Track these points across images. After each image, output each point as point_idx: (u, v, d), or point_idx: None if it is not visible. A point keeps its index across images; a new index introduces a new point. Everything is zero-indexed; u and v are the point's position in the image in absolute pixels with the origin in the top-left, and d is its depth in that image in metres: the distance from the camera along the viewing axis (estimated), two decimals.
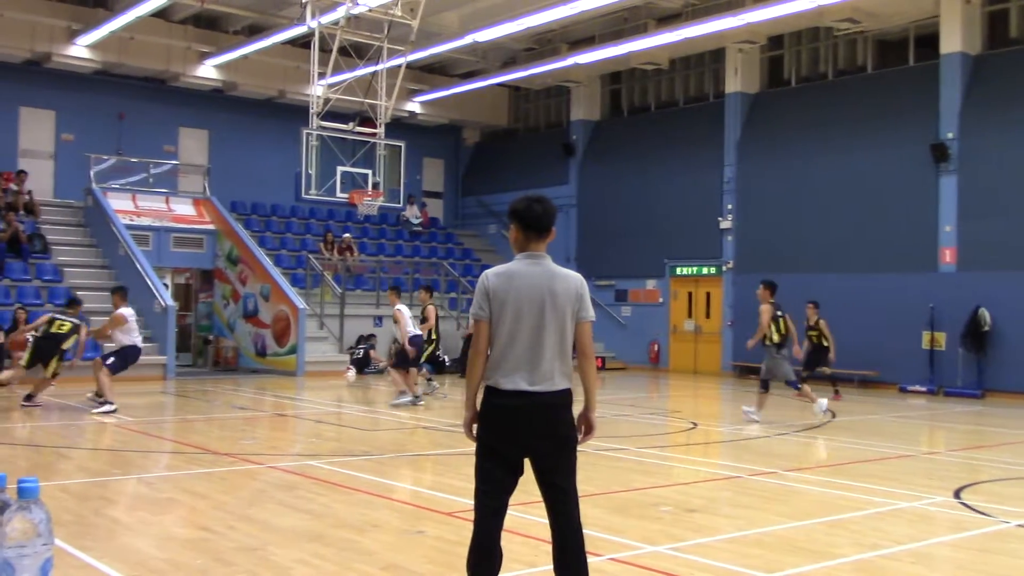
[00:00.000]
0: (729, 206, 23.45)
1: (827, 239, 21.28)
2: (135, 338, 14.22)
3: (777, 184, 22.49)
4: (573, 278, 4.37)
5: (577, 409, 4.37)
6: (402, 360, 15.22)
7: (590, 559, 4.41)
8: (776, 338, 13.70)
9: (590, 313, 4.36)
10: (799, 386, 14.03)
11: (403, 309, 15.52)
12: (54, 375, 14.22)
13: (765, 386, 13.82)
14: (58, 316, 14.48)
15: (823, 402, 13.99)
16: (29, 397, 13.96)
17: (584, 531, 4.33)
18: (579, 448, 4.35)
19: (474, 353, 4.33)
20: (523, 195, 4.44)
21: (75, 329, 14.16)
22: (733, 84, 23.69)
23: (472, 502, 4.32)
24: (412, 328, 15.38)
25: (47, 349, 14.02)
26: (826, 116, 21.90)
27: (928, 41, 20.60)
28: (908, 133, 20.24)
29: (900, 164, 20.29)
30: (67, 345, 14.07)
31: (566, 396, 4.27)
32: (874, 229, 20.52)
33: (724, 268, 23.49)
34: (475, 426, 4.36)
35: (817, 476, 9.25)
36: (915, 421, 15.37)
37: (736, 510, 7.64)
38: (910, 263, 19.93)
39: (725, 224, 23.43)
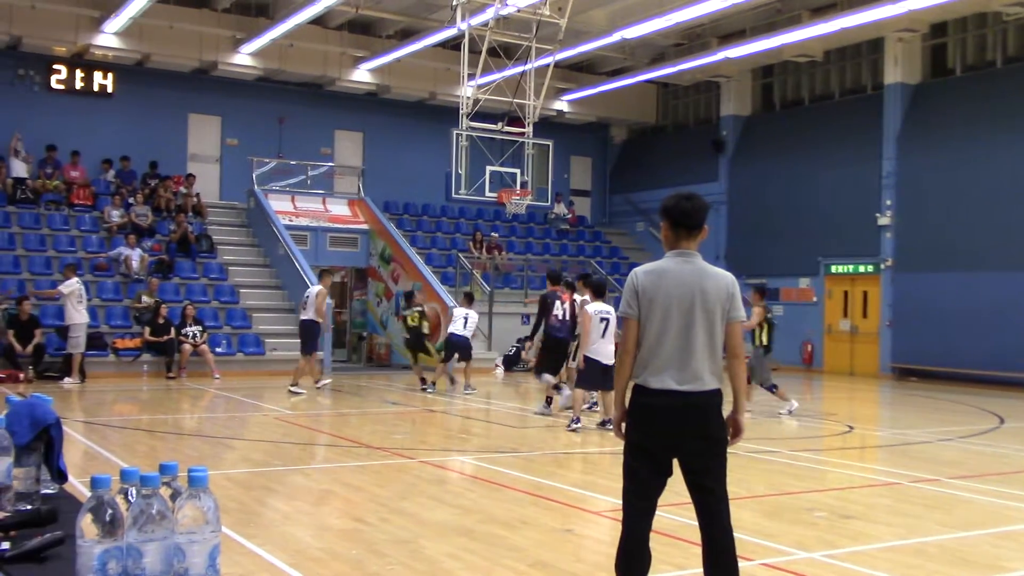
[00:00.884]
0: (888, 202, 22.54)
1: (994, 236, 20.19)
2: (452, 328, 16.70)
3: (940, 179, 21.48)
4: (724, 277, 4.30)
5: (726, 411, 4.30)
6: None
7: (741, 563, 4.32)
8: (765, 340, 14.09)
9: (741, 313, 4.28)
10: (775, 388, 14.02)
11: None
12: (443, 359, 16.88)
13: (772, 387, 13.99)
14: (404, 312, 17.27)
15: (795, 403, 14.09)
16: (425, 381, 16.48)
17: (735, 535, 4.24)
18: (730, 450, 4.28)
19: (623, 351, 4.32)
20: (674, 192, 4.40)
21: (423, 315, 17.11)
22: (893, 75, 22.75)
23: (620, 502, 4.30)
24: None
25: (417, 342, 17.03)
26: (994, 106, 20.77)
27: None
28: None
29: None
30: (426, 331, 17.16)
31: (716, 396, 4.21)
32: None
33: (882, 266, 22.60)
34: (624, 425, 4.34)
35: (983, 484, 8.79)
36: None
37: (895, 518, 7.35)
38: None
39: (883, 220, 22.55)
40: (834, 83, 25.10)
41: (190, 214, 22.46)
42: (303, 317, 16.02)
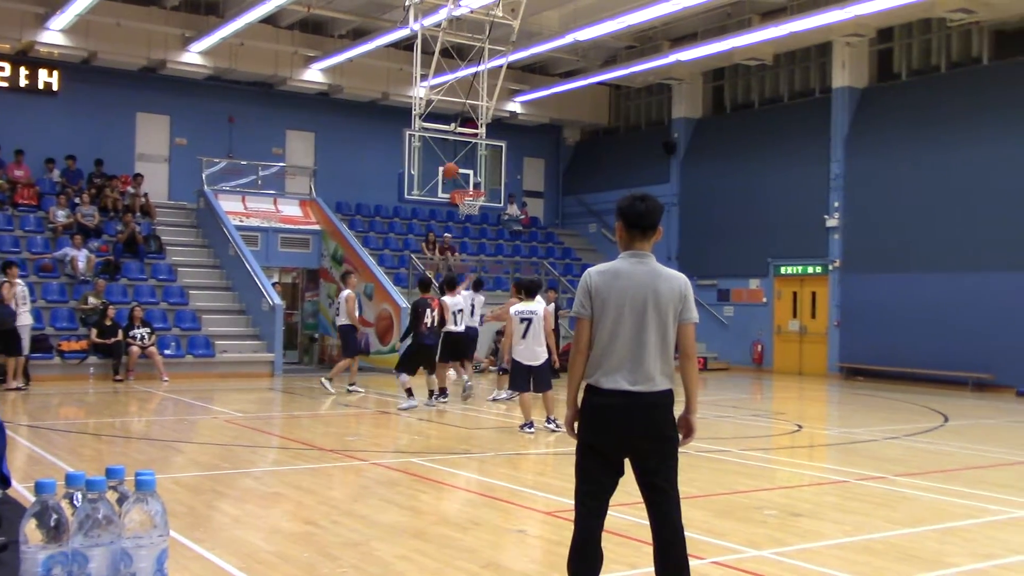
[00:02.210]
0: (836, 204, 22.88)
1: (939, 237, 20.58)
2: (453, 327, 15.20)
3: (887, 181, 21.84)
4: (678, 279, 4.33)
5: (678, 411, 4.33)
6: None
7: (693, 562, 4.36)
8: None
9: (694, 315, 4.31)
10: None
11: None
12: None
13: None
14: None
15: None
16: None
17: (687, 533, 4.28)
18: (681, 450, 4.31)
19: (575, 351, 4.34)
20: (628, 193, 4.42)
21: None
22: (840, 79, 23.10)
23: (572, 502, 4.32)
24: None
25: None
26: (939, 111, 21.18)
27: None
28: None
29: (1017, 159, 19.49)
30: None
31: (667, 396, 4.24)
32: (988, 227, 19.76)
33: (831, 267, 22.94)
34: (576, 425, 4.36)
35: (929, 482, 8.96)
36: None
37: (843, 515, 7.46)
38: None
39: (832, 222, 22.88)
40: (783, 86, 25.42)
41: (138, 214, 22.15)
42: (340, 323, 16.70)
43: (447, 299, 15.15)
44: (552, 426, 11.64)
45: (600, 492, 4.25)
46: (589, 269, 4.42)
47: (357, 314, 16.78)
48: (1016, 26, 20.62)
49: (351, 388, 16.44)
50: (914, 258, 20.89)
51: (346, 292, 16.48)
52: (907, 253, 21.09)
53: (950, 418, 14.37)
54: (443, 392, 15.02)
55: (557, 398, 11.96)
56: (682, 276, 4.38)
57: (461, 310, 15.25)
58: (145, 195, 22.93)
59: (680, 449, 4.30)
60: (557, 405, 11.88)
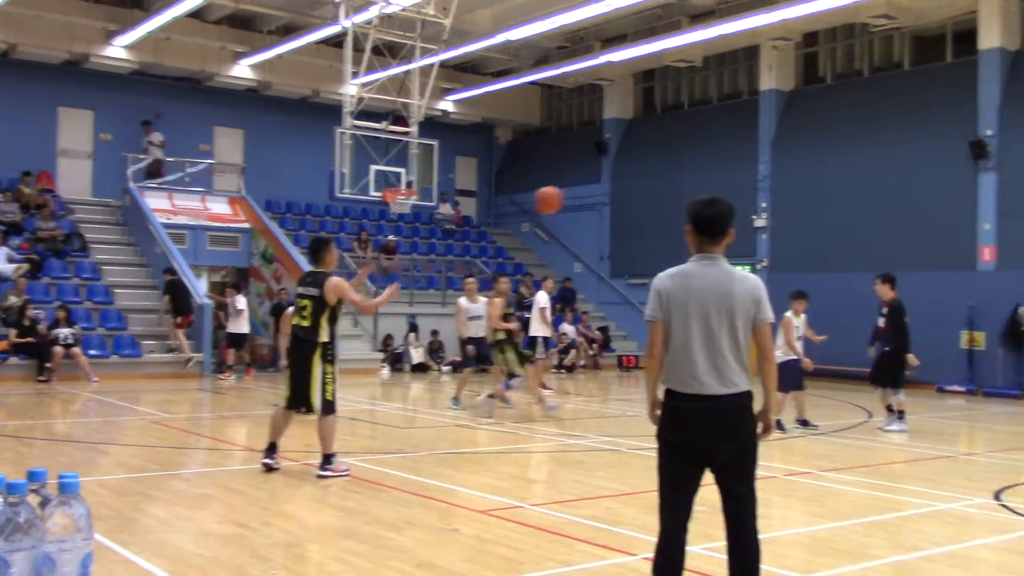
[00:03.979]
0: (763, 204, 23.28)
1: (864, 237, 21.06)
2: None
3: (812, 182, 22.29)
4: (751, 279, 4.33)
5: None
6: None
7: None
8: None
9: (769, 315, 4.32)
10: None
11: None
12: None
13: None
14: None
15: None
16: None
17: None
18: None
19: (648, 355, 4.35)
20: (699, 197, 4.39)
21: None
22: (768, 81, 23.51)
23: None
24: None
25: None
26: (862, 113, 21.67)
27: (966, 37, 20.33)
28: (946, 130, 19.99)
29: (938, 162, 20.04)
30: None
31: (746, 398, 4.24)
32: (912, 227, 20.28)
33: (758, 267, 23.32)
34: (658, 409, 4.34)
35: (853, 477, 9.15)
36: (953, 421, 15.19)
37: (771, 510, 7.58)
38: (948, 262, 19.69)
39: (760, 222, 23.27)
40: (712, 88, 25.78)
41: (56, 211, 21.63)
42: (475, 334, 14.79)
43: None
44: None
45: (683, 493, 4.23)
46: (659, 274, 4.40)
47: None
48: (935, 31, 21.21)
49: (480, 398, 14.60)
50: (839, 257, 21.34)
51: (487, 299, 14.48)
52: (833, 253, 21.53)
53: (874, 414, 14.70)
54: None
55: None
56: (755, 277, 4.38)
57: (480, 316, 14.37)
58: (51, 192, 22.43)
59: (758, 447, 4.28)
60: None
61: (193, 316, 19.29)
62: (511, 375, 13.60)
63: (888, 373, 12.85)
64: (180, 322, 19.06)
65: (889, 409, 12.93)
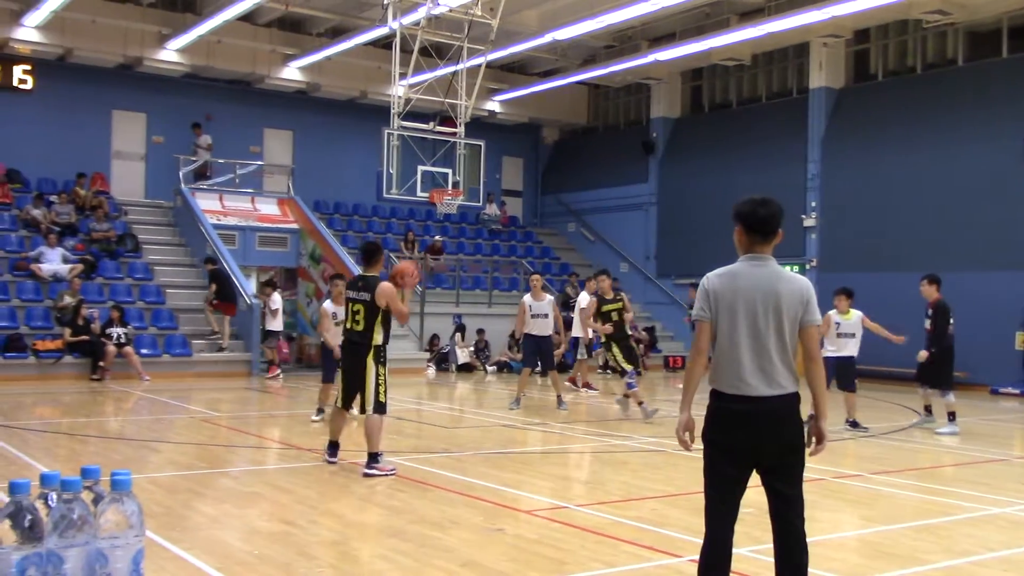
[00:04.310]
0: (813, 203, 23.02)
1: (915, 237, 20.74)
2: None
3: (863, 181, 21.99)
4: (799, 280, 4.29)
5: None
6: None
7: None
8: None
9: (817, 317, 4.28)
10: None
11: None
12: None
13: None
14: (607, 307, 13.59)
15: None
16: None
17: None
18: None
19: (694, 353, 4.32)
20: (749, 197, 4.36)
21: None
22: (817, 79, 23.24)
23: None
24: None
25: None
26: (915, 111, 21.34)
27: (1022, 32, 19.94)
28: (1001, 127, 19.61)
29: (992, 159, 19.67)
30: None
31: (793, 400, 4.21)
32: (964, 226, 19.93)
33: (808, 267, 23.06)
34: (688, 433, 4.32)
35: (905, 480, 9.02)
36: (1008, 424, 14.90)
37: (820, 513, 7.49)
38: (1003, 261, 19.31)
39: (809, 222, 23.01)
40: (761, 86, 25.54)
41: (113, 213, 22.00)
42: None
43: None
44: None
45: (730, 495, 4.22)
46: (708, 273, 4.38)
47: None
48: (989, 27, 20.81)
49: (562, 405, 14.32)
50: (890, 257, 21.03)
51: (584, 296, 14.26)
52: (883, 252, 21.23)
53: (926, 417, 14.46)
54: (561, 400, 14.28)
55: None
56: (804, 278, 4.33)
57: (546, 314, 14.20)
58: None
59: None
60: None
61: (236, 306, 19.56)
62: (622, 372, 13.10)
63: (930, 373, 12.66)
64: (216, 304, 19.39)
65: (927, 410, 12.89)
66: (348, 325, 8.81)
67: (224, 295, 19.38)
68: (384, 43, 23.00)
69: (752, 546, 5.74)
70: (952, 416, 12.42)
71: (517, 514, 7.13)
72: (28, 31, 21.54)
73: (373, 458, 8.60)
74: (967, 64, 21.12)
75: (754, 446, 4.16)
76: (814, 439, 4.32)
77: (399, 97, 19.36)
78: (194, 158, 24.15)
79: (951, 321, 12.71)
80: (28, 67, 22.91)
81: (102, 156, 23.98)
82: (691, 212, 25.92)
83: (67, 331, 17.58)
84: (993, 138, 19.69)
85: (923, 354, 12.75)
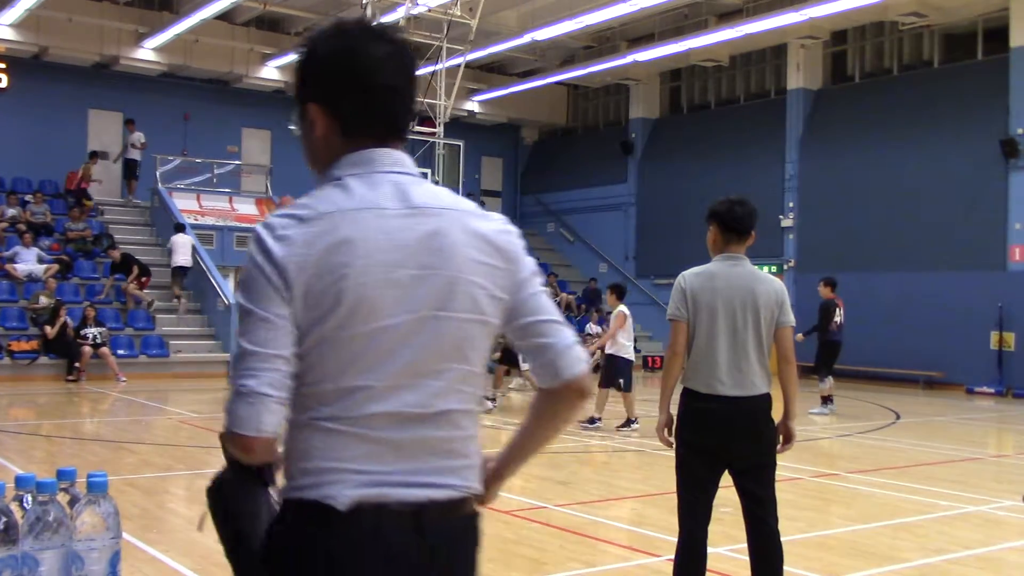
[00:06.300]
0: (791, 204, 23.15)
1: (892, 237, 20.88)
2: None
3: (840, 181, 22.13)
4: (774, 282, 4.33)
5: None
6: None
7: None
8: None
9: (791, 318, 4.31)
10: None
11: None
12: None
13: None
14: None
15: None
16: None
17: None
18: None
19: (671, 354, 4.31)
20: (725, 197, 4.39)
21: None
22: (795, 80, 23.37)
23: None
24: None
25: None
26: (891, 112, 21.49)
27: (997, 34, 20.12)
28: (976, 129, 19.78)
29: (968, 160, 19.84)
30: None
31: (766, 401, 4.23)
32: (941, 227, 20.09)
33: (785, 267, 23.19)
34: (666, 430, 4.34)
35: (881, 479, 9.09)
36: (982, 423, 15.04)
37: (797, 512, 7.53)
38: (978, 261, 19.48)
39: (786, 222, 23.14)
40: (739, 87, 25.66)
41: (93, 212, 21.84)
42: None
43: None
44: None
45: (703, 495, 4.22)
46: (683, 272, 4.39)
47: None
48: (965, 29, 21.00)
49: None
50: (867, 258, 21.17)
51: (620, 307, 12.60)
52: (860, 253, 21.37)
53: (902, 416, 14.60)
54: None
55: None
56: (778, 280, 4.37)
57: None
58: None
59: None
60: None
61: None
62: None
63: (817, 362, 14.62)
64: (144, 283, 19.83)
65: (824, 400, 14.35)
66: None
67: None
68: None
69: (729, 545, 5.76)
70: (825, 400, 14.25)
71: (496, 514, 7.13)
72: (3, 29, 21.34)
73: None
74: (943, 66, 21.30)
75: (728, 447, 4.17)
76: (782, 438, 4.33)
77: None
78: (129, 156, 23.37)
79: (837, 319, 14.72)
80: (3, 65, 22.72)
81: (78, 155, 23.78)
82: (670, 212, 25.99)
83: (48, 329, 17.29)
84: (969, 139, 19.86)
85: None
